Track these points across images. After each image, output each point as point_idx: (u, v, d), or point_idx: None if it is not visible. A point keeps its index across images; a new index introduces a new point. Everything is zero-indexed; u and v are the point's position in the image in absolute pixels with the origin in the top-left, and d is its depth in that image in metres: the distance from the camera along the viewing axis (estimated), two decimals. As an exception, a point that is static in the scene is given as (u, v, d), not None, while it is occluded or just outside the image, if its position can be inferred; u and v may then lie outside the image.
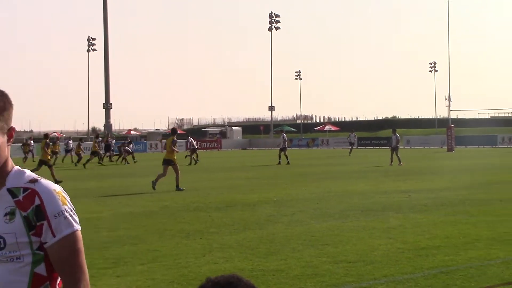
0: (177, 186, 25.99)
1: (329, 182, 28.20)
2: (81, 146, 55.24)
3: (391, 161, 41.24)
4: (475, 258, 11.20)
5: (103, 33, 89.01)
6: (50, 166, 33.27)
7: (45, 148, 33.35)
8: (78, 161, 52.40)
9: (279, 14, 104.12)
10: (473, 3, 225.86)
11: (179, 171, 26.41)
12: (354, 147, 62.50)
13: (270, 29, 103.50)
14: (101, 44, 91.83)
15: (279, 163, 44.76)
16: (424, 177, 29.83)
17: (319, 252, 11.98)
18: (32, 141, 65.31)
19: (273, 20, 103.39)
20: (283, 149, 45.67)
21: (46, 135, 35.10)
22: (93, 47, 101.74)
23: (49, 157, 33.66)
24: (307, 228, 14.91)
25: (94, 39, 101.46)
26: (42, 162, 33.47)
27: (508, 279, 9.69)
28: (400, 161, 40.72)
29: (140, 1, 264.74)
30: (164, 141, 34.25)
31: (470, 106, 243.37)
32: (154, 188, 25.45)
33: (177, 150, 27.12)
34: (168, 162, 26.52)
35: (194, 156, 50.80)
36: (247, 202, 20.64)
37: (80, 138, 64.01)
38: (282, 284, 9.65)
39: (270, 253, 12.02)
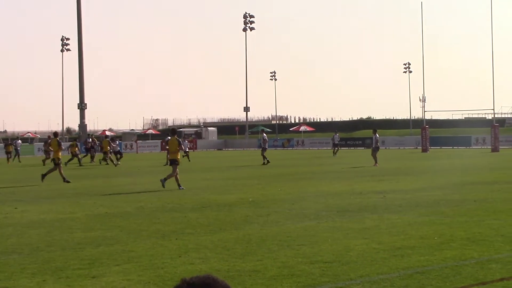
0: (164, 179, 26.79)
1: (304, 183, 28.25)
2: (78, 146, 54.53)
3: (375, 161, 41.17)
4: (450, 258, 11.26)
5: (77, 33, 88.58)
6: (58, 165, 32.42)
7: (58, 147, 32.52)
8: (79, 160, 51.99)
9: (253, 14, 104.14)
10: (447, 3, 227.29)
11: (176, 173, 26.86)
12: (338, 148, 62.00)
13: (244, 30, 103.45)
14: (75, 44, 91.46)
15: (267, 162, 45.11)
16: (399, 178, 29.96)
17: (295, 252, 11.99)
18: (20, 141, 65.07)
19: (247, 21, 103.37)
20: (263, 149, 46.19)
21: (55, 134, 34.58)
22: (67, 47, 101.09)
23: (60, 155, 32.69)
24: (283, 229, 14.92)
25: (68, 39, 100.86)
26: (55, 161, 32.45)
27: (483, 279, 9.75)
28: (376, 162, 40.87)
29: (114, 0, 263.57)
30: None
31: (444, 107, 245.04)
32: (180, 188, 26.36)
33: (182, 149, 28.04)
34: (173, 161, 27.24)
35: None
36: (222, 203, 20.61)
37: (74, 138, 63.55)
38: (258, 285, 9.64)
39: (246, 253, 12.01)
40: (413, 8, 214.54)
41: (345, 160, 51.48)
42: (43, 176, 31.62)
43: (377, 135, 42.95)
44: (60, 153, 32.46)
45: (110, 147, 53.05)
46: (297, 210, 18.47)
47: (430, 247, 12.28)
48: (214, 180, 30.45)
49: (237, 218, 17.08)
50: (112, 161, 51.82)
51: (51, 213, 18.95)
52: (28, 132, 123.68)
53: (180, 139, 28.02)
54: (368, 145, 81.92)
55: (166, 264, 11.21)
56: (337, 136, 62.23)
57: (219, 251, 12.34)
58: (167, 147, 28.29)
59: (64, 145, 59.19)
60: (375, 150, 41.76)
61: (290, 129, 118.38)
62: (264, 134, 47.92)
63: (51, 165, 33.99)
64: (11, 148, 61.04)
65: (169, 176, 26.88)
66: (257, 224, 15.85)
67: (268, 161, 45.27)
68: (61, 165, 32.31)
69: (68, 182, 31.08)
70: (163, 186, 26.49)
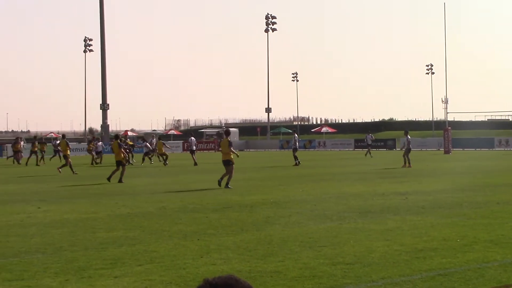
0: (226, 184, 27.12)
1: (326, 184, 28.20)
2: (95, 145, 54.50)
3: (408, 163, 40.82)
4: (473, 260, 11.20)
5: (99, 33, 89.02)
6: (123, 166, 32.40)
7: (119, 149, 32.44)
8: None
9: (275, 15, 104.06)
10: (470, 5, 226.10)
11: (233, 172, 27.47)
12: (371, 149, 61.14)
13: (266, 31, 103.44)
14: (98, 45, 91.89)
15: (298, 163, 45.05)
16: (421, 179, 29.83)
17: (317, 253, 11.98)
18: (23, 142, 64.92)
19: (269, 22, 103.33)
20: (295, 150, 46.52)
21: (116, 136, 34.45)
22: (89, 48, 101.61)
23: (123, 156, 32.65)
24: (305, 230, 14.91)
25: (90, 39, 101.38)
26: (119, 163, 32.34)
27: (506, 281, 9.69)
28: (405, 163, 40.54)
29: (137, 1, 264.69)
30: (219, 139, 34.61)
31: (467, 108, 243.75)
32: (222, 186, 26.88)
33: (234, 151, 28.25)
34: (226, 162, 27.60)
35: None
36: (244, 204, 20.63)
37: (93, 137, 63.45)
38: (280, 286, 9.64)
39: (268, 254, 12.01)
40: (436, 9, 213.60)
41: (369, 161, 51.32)
42: (120, 180, 31.41)
43: (409, 137, 42.71)
44: (122, 155, 32.32)
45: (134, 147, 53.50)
46: (319, 211, 18.44)
47: (452, 249, 12.22)
48: (235, 181, 30.43)
49: (258, 219, 17.09)
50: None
51: (73, 213, 19.06)
52: (51, 132, 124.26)
53: (230, 140, 28.30)
54: (390, 146, 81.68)
55: (188, 264, 11.24)
56: (370, 136, 61.67)
57: (241, 252, 12.35)
58: (220, 148, 28.64)
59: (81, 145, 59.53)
60: (408, 151, 41.47)
61: (312, 130, 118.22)
62: (296, 135, 47.87)
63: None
64: (45, 148, 59.86)
65: (229, 178, 27.28)
66: (279, 225, 15.85)
67: (299, 162, 45.17)
68: (125, 166, 32.38)
69: (122, 182, 31.07)
70: (224, 186, 26.93)
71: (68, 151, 33.41)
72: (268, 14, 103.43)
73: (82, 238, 14.38)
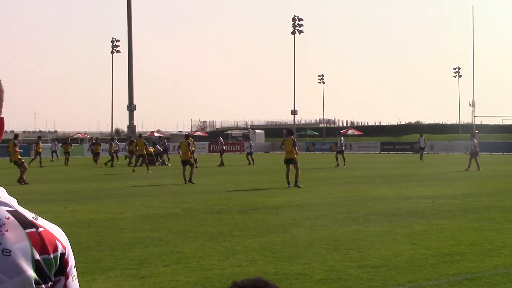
0: (296, 182, 27.44)
1: (352, 187, 28.12)
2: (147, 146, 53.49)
3: (477, 166, 40.01)
4: (501, 265, 11.11)
5: (127, 34, 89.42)
6: (192, 165, 32.05)
7: (188, 147, 32.14)
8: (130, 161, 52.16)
9: (302, 17, 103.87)
10: (498, 8, 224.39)
11: (299, 170, 27.76)
12: (423, 152, 59.07)
13: (293, 33, 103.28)
14: (125, 46, 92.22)
15: (342, 165, 45.20)
16: (448, 183, 29.65)
17: (343, 256, 11.95)
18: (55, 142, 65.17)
19: (296, 24, 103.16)
20: (340, 152, 46.53)
21: (187, 136, 33.93)
22: (117, 49, 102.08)
23: (189, 156, 32.07)
24: (330, 232, 14.88)
25: (118, 40, 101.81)
26: (186, 162, 31.86)
27: (534, 287, 9.60)
28: (478, 167, 39.76)
29: (164, 2, 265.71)
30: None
31: (494, 112, 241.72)
32: (290, 186, 27.36)
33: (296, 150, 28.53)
34: (289, 161, 27.88)
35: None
36: (270, 206, 20.63)
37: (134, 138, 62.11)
38: (305, 288, 9.62)
39: (294, 256, 12.00)
40: (464, 12, 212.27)
41: (393, 165, 51.08)
42: (190, 180, 31.12)
43: (476, 140, 41.80)
44: (188, 154, 31.92)
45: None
46: (345, 214, 18.39)
47: (480, 253, 12.14)
48: (261, 183, 30.47)
49: (284, 221, 17.08)
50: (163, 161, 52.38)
51: (100, 213, 19.16)
52: (78, 133, 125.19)
53: (294, 139, 28.46)
54: (417, 150, 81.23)
55: (214, 265, 11.26)
56: (423, 139, 59.88)
57: (266, 253, 12.35)
58: (283, 147, 28.70)
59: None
60: (474, 155, 40.70)
61: (338, 132, 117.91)
62: (342, 137, 47.87)
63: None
64: (69, 148, 59.17)
65: (297, 176, 27.52)
66: (305, 227, 15.83)
67: (342, 164, 45.38)
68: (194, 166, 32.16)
69: (192, 183, 30.65)
70: (294, 185, 27.40)
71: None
72: (295, 16, 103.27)
73: (108, 238, 14.46)
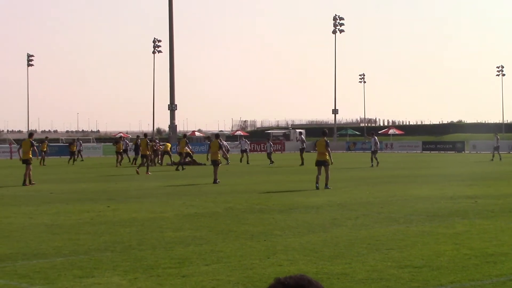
0: (326, 185, 26.89)
1: (393, 186, 27.94)
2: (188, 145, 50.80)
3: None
4: (545, 266, 10.96)
5: (168, 34, 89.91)
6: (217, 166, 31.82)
7: (218, 148, 32.13)
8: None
9: (343, 16, 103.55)
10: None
11: (329, 173, 27.21)
12: (499, 152, 56.53)
13: (334, 32, 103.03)
14: (167, 46, 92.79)
15: (372, 165, 45.13)
16: (491, 183, 29.32)
17: (384, 256, 11.89)
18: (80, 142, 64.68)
19: (337, 23, 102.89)
20: (374, 152, 46.22)
21: (217, 135, 34.09)
22: (158, 49, 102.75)
23: (218, 156, 32.09)
24: (372, 232, 14.81)
25: (159, 40, 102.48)
26: (215, 162, 31.74)
27: None
28: None
29: (206, 2, 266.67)
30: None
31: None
32: (320, 188, 26.58)
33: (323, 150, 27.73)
34: (321, 163, 27.26)
35: (244, 157, 52.77)
36: (310, 205, 20.59)
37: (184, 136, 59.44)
38: (346, 288, 9.60)
39: (335, 256, 11.97)
40: (508, 9, 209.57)
41: (436, 164, 50.62)
42: (215, 181, 30.95)
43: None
44: (217, 155, 31.81)
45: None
46: (386, 214, 18.29)
47: (523, 254, 11.99)
48: (301, 182, 30.43)
49: (325, 220, 17.05)
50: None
51: (141, 212, 19.30)
52: (120, 132, 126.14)
53: (327, 140, 27.84)
54: (459, 149, 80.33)
55: (255, 265, 11.27)
56: (497, 137, 57.79)
57: (307, 253, 12.34)
58: (316, 148, 28.32)
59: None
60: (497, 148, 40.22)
61: (379, 132, 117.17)
62: (375, 137, 47.45)
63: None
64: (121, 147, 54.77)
65: (327, 179, 27.04)
66: (345, 227, 15.78)
67: (377, 163, 45.23)
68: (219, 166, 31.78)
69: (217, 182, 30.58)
70: (324, 187, 26.70)
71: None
72: (336, 15, 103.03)
73: (150, 237, 14.56)
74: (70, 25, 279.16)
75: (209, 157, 32.39)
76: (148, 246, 13.38)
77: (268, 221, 16.98)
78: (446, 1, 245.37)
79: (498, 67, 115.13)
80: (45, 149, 56.15)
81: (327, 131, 29.32)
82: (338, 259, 11.66)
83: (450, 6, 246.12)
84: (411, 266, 11.01)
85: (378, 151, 47.75)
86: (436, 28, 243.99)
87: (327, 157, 27.08)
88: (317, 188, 26.53)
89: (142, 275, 10.67)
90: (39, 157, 48.79)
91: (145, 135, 43.73)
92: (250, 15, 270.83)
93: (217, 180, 30.86)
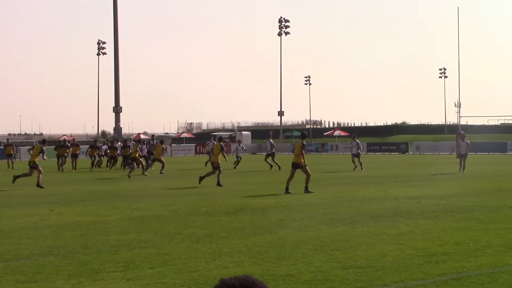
0: (306, 188, 26.40)
1: (338, 188, 28.16)
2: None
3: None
4: (486, 265, 11.16)
5: (113, 37, 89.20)
6: (217, 168, 30.94)
7: (219, 150, 31.42)
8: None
9: (288, 19, 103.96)
10: (483, 9, 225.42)
11: (309, 174, 26.77)
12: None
13: (279, 34, 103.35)
14: (111, 48, 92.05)
15: (362, 168, 42.61)
16: (434, 184, 29.74)
17: (329, 257, 11.97)
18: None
19: (282, 25, 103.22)
20: (356, 155, 44.22)
21: (220, 138, 33.17)
22: (103, 51, 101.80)
23: (218, 158, 31.22)
24: (317, 233, 14.90)
25: (104, 42, 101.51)
26: (214, 164, 31.07)
27: (519, 286, 9.65)
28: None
29: (150, 5, 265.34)
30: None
31: (480, 112, 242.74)
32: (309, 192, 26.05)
33: (305, 153, 27.64)
34: (296, 165, 26.94)
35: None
36: (256, 207, 20.62)
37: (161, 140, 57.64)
38: (292, 289, 9.63)
39: (280, 258, 12.01)
40: (449, 12, 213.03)
41: (380, 165, 51.13)
42: (218, 183, 30.38)
43: (467, 140, 41.00)
44: (218, 157, 31.17)
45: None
46: (331, 215, 18.42)
47: (465, 253, 12.19)
48: (247, 184, 30.45)
49: (271, 222, 17.09)
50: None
51: (86, 216, 19.09)
52: (64, 135, 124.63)
53: (304, 142, 27.56)
54: (403, 150, 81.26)
55: (200, 267, 11.25)
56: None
57: (253, 255, 12.35)
58: (303, 150, 27.72)
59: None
60: (464, 156, 40.18)
61: (324, 133, 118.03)
62: (357, 140, 45.51)
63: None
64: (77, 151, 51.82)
65: (306, 181, 26.62)
66: (291, 228, 15.84)
67: (361, 167, 42.80)
68: (220, 168, 31.04)
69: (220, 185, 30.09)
70: (309, 191, 26.02)
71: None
72: (281, 17, 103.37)
73: (94, 240, 14.42)
74: (12, 25, 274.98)
75: (211, 159, 31.93)
76: (93, 249, 13.25)
77: (214, 223, 16.96)
78: (390, 3, 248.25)
79: (440, 69, 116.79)
80: None
81: (306, 134, 29.35)
82: (284, 261, 11.70)
83: (393, 8, 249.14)
84: (355, 266, 11.11)
85: (361, 153, 45.71)
86: (380, 30, 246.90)
87: (301, 159, 26.87)
88: (287, 192, 25.90)
89: (86, 279, 10.55)
90: None
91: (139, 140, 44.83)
92: (195, 16, 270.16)
93: (220, 183, 30.40)
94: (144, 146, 47.31)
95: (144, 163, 43.27)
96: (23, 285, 10.28)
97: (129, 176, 38.46)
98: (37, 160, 32.09)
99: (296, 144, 28.10)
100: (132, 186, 31.12)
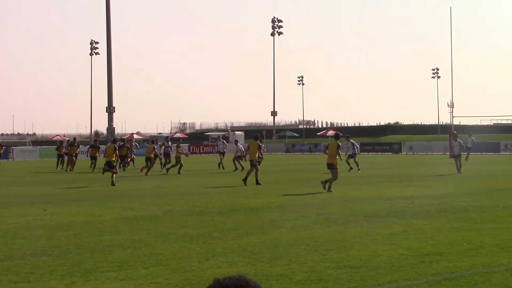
0: (329, 187, 26.28)
1: (332, 187, 28.11)
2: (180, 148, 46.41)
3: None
4: (479, 265, 11.19)
5: (106, 37, 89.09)
6: (255, 166, 31.35)
7: (257, 149, 31.94)
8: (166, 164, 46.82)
9: (281, 19, 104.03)
10: (476, 9, 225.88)
11: (337, 177, 26.78)
12: (470, 153, 54.69)
13: (272, 34, 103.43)
14: (104, 48, 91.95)
15: (351, 169, 42.34)
16: (427, 184, 29.79)
17: (323, 257, 11.98)
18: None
19: (275, 25, 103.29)
20: (352, 156, 43.73)
21: (256, 137, 33.02)
22: (96, 51, 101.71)
23: (256, 157, 31.66)
24: (311, 233, 14.91)
25: (97, 42, 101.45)
26: (252, 163, 31.33)
27: (512, 286, 9.67)
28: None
29: (143, 5, 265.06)
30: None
31: (473, 112, 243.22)
32: (326, 189, 26.04)
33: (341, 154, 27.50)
34: (331, 166, 26.89)
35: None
36: (250, 207, 20.63)
37: (177, 139, 55.31)
38: (286, 289, 9.63)
39: (274, 258, 12.01)
40: (442, 13, 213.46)
41: (374, 165, 51.18)
42: (257, 182, 30.50)
43: (459, 140, 40.51)
44: (256, 155, 31.45)
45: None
46: (325, 215, 18.44)
47: (459, 253, 12.22)
48: (241, 184, 30.44)
49: (264, 222, 17.09)
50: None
51: (80, 216, 19.07)
52: (57, 135, 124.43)
53: (339, 143, 27.37)
54: (396, 150, 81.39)
55: (194, 267, 11.25)
56: (471, 139, 55.50)
57: (247, 255, 12.36)
58: (327, 151, 27.62)
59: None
60: (459, 156, 39.74)
61: (318, 133, 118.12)
62: (352, 141, 44.84)
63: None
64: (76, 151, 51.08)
65: (331, 181, 26.48)
66: (285, 228, 15.85)
67: (351, 168, 42.52)
68: (258, 166, 31.26)
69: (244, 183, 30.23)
70: (330, 190, 25.93)
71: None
72: (274, 17, 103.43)
73: (88, 240, 14.40)
74: (3, 25, 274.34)
75: (247, 158, 32.69)
76: (86, 249, 13.24)
77: (208, 223, 16.96)
78: (383, 4, 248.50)
79: (433, 70, 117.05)
80: None
81: (339, 134, 29.16)
82: (277, 261, 11.70)
83: (386, 8, 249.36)
84: (349, 266, 11.12)
85: (357, 154, 44.93)
86: (373, 30, 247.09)
87: (336, 160, 26.75)
88: (326, 190, 25.99)
89: (79, 279, 10.54)
90: None
91: (127, 141, 44.97)
92: (188, 16, 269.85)
93: (258, 182, 30.36)
94: (160, 146, 47.57)
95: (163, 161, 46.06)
96: (17, 285, 10.26)
97: (147, 174, 40.30)
98: (113, 158, 33.04)
99: (331, 144, 27.64)
100: (126, 186, 31.08)
